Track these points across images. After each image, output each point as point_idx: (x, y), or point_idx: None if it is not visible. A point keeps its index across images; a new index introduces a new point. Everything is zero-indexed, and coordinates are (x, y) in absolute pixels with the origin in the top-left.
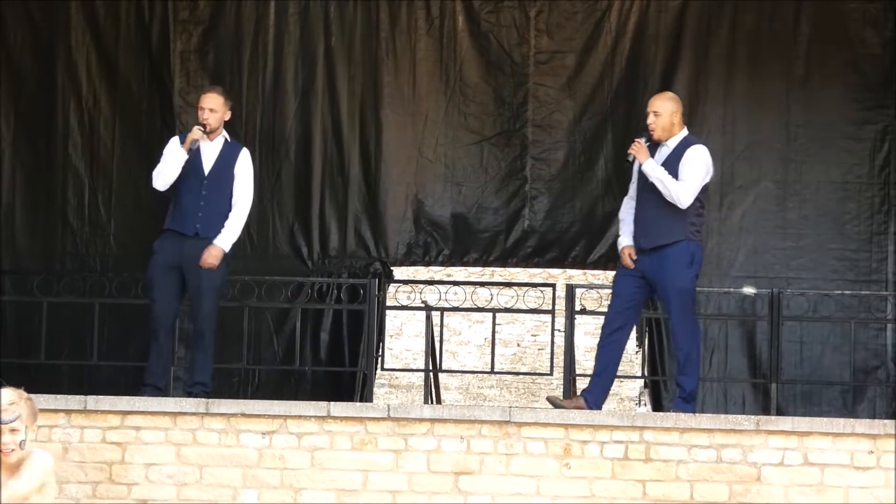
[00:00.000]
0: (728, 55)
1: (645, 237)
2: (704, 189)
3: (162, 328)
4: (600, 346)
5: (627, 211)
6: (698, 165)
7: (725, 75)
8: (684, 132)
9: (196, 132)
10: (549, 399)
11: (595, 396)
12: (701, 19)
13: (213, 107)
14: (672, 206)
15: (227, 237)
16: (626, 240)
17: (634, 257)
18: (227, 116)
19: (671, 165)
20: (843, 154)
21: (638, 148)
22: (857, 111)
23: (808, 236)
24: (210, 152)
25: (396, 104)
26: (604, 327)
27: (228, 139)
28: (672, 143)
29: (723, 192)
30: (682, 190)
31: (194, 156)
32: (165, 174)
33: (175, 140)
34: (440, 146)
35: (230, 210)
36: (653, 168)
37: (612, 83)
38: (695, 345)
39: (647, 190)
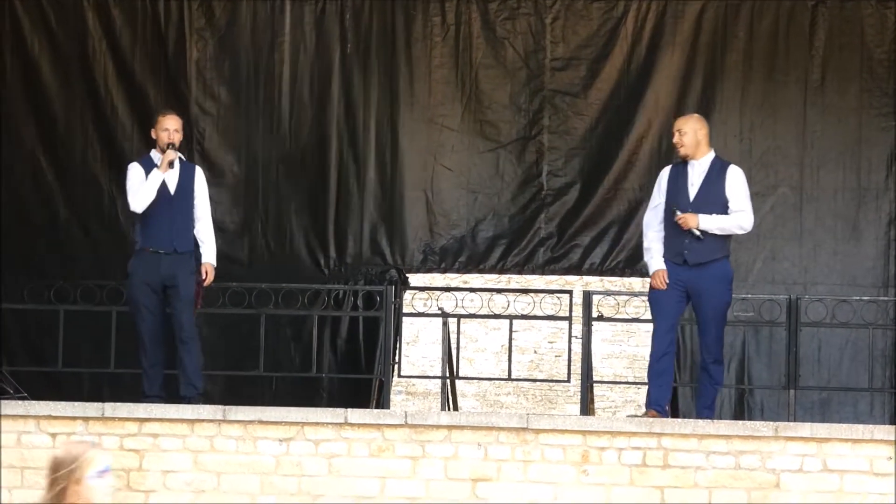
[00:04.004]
0: (744, 61)
1: (693, 253)
2: None
3: (154, 342)
4: (657, 363)
5: (655, 238)
6: (745, 188)
7: (741, 81)
8: (713, 153)
9: (171, 153)
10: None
11: (665, 404)
12: (717, 26)
13: (177, 127)
14: None
15: (214, 252)
16: (658, 263)
17: (668, 281)
18: (181, 137)
19: (710, 185)
20: (861, 160)
21: (684, 221)
22: (874, 117)
23: (825, 242)
24: (172, 172)
25: (412, 111)
26: (656, 348)
27: (183, 158)
28: (704, 163)
29: None
30: (744, 219)
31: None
32: (146, 196)
33: (137, 166)
34: (456, 153)
35: (193, 225)
36: (708, 223)
37: (628, 90)
38: (723, 356)
39: (694, 207)
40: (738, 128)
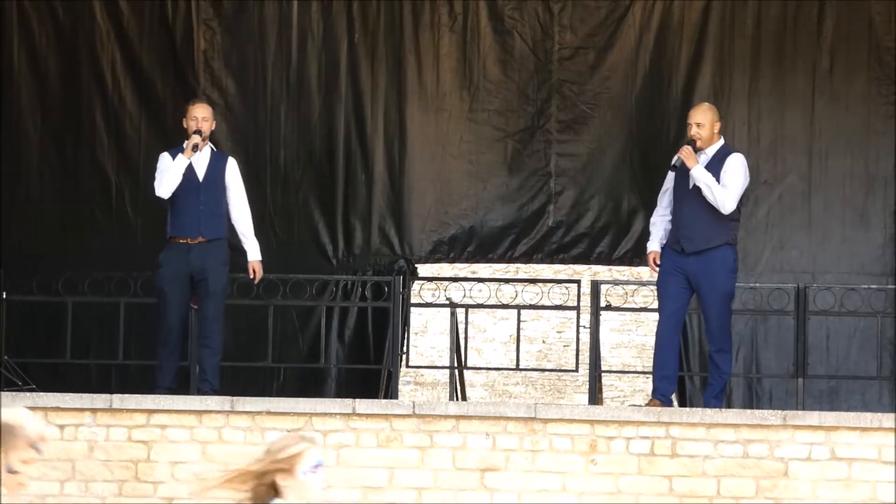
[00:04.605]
0: (752, 50)
1: (688, 241)
2: (743, 196)
3: (173, 335)
4: (660, 348)
5: (659, 220)
6: (739, 173)
7: (750, 70)
8: (721, 141)
9: (195, 138)
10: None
11: (669, 394)
12: (725, 14)
13: (205, 115)
14: (715, 211)
15: (257, 247)
16: (653, 245)
17: (658, 263)
18: (213, 126)
19: (710, 172)
20: (869, 148)
21: (687, 153)
22: (882, 105)
23: (833, 231)
24: (201, 160)
25: (420, 101)
26: (658, 335)
27: (214, 149)
28: (710, 151)
29: (748, 187)
30: (728, 196)
31: (187, 166)
32: (170, 181)
33: (166, 154)
34: (464, 143)
35: (223, 213)
36: (701, 173)
37: (636, 79)
38: (729, 345)
39: (691, 195)
40: (745, 117)
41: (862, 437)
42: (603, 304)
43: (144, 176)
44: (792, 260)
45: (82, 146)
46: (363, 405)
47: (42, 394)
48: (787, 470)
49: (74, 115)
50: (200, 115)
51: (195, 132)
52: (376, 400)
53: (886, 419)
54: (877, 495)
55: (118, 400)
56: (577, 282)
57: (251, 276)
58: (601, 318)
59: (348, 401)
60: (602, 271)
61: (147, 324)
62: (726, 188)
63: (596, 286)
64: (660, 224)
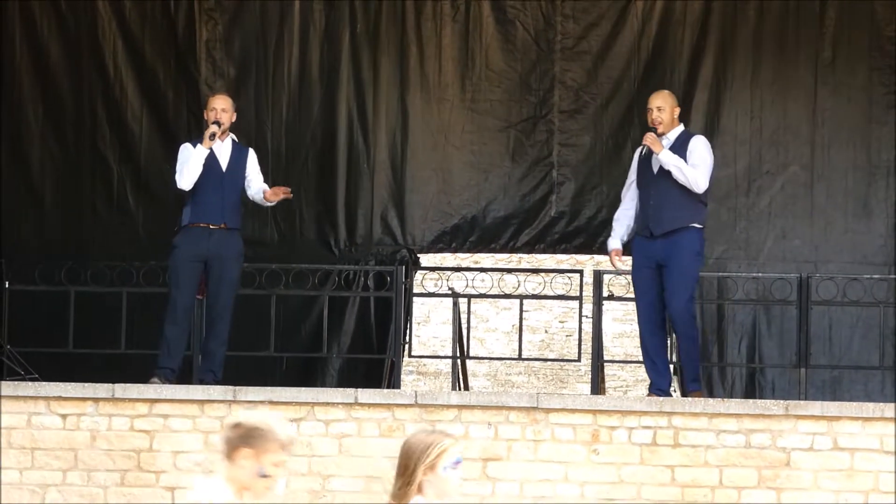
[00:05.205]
0: (755, 39)
1: (657, 223)
2: (710, 180)
3: (182, 318)
4: (644, 344)
5: (621, 215)
6: (705, 152)
7: (752, 60)
8: (681, 126)
9: (213, 127)
10: None
11: (664, 387)
12: (727, 4)
13: (225, 107)
14: (681, 193)
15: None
16: (613, 242)
17: (622, 259)
18: (234, 118)
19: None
20: (871, 138)
21: (652, 140)
22: (885, 94)
23: (836, 220)
24: (223, 151)
25: (422, 91)
26: (640, 329)
27: (235, 140)
28: (671, 136)
29: (751, 177)
30: (698, 174)
31: (210, 155)
32: (191, 171)
33: (187, 145)
34: (466, 133)
35: (240, 206)
36: (668, 156)
37: (639, 68)
38: (693, 328)
39: (657, 179)
40: (748, 107)
41: (864, 427)
42: (605, 293)
43: (146, 166)
44: (794, 250)
45: (84, 136)
46: (365, 395)
47: (44, 383)
48: (789, 460)
49: (76, 106)
50: (220, 107)
51: (214, 122)
52: (379, 389)
53: (888, 409)
54: (879, 485)
55: (120, 389)
56: (580, 272)
57: (281, 194)
58: (604, 307)
59: (350, 390)
60: (604, 261)
61: (149, 313)
62: (696, 167)
63: (598, 276)
64: (623, 220)
